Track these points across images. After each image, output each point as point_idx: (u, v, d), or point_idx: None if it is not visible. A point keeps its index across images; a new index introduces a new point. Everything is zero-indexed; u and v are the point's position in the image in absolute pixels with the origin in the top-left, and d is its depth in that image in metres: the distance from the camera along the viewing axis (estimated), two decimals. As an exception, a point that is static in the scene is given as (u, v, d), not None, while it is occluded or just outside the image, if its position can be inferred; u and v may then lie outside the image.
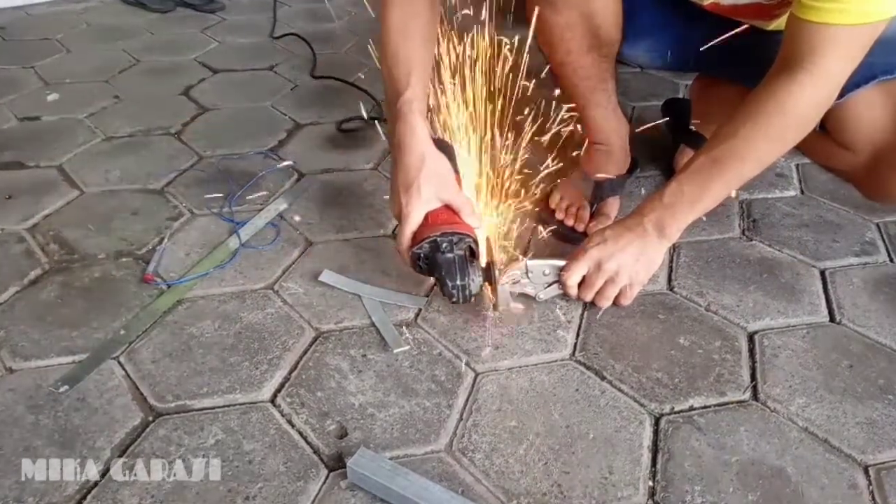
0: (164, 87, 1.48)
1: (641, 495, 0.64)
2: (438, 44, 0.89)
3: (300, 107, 1.41)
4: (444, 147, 0.84)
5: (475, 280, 0.78)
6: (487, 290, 0.83)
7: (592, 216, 1.02)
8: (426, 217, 0.79)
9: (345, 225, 1.03)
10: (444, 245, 0.77)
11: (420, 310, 0.86)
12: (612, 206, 1.04)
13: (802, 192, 1.16)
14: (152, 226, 1.01)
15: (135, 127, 1.30)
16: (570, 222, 1.02)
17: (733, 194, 1.09)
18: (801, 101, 0.75)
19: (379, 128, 1.31)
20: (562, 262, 0.85)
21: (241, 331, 0.82)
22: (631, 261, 0.83)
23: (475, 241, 0.80)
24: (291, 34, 1.79)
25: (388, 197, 1.06)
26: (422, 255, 0.79)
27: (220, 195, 1.08)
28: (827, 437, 0.71)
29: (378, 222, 1.03)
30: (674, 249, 0.99)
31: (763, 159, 0.80)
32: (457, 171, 0.84)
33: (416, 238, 0.78)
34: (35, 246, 0.96)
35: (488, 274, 0.81)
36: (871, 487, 0.66)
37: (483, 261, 0.82)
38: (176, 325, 0.83)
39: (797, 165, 1.22)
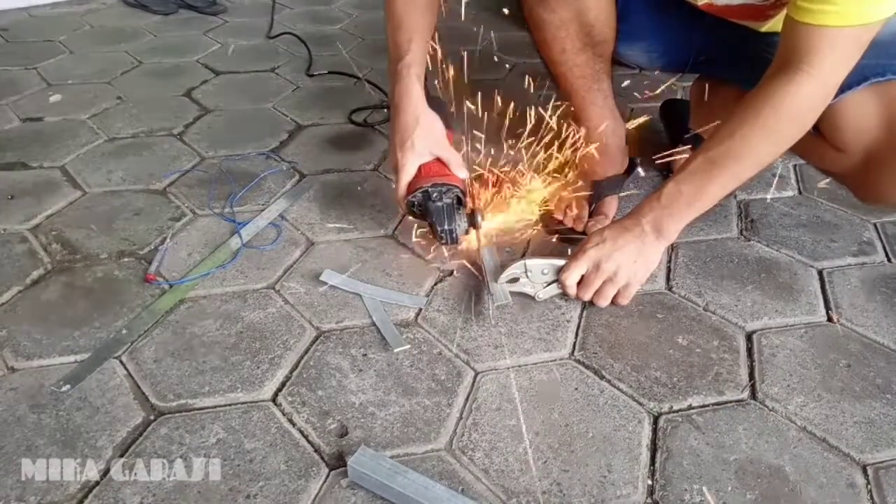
0: (166, 89, 1.49)
1: (640, 494, 0.65)
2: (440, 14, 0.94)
3: (301, 108, 1.41)
4: (439, 105, 0.93)
5: (461, 225, 0.89)
6: (472, 233, 0.93)
7: (591, 216, 1.02)
8: (419, 169, 0.89)
9: (345, 225, 1.03)
10: (435, 194, 0.87)
11: (420, 310, 0.87)
12: (611, 205, 1.05)
13: (800, 192, 1.16)
14: (154, 226, 1.01)
15: (137, 128, 1.31)
16: (568, 222, 1.03)
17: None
18: (798, 103, 0.75)
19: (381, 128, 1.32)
20: (560, 262, 0.85)
21: (242, 330, 0.82)
22: (629, 261, 0.83)
23: (462, 191, 0.90)
24: (287, 33, 1.80)
25: (385, 200, 1.08)
26: (415, 202, 0.89)
27: (222, 196, 1.09)
28: (825, 437, 0.71)
29: (378, 222, 1.04)
30: (672, 249, 0.99)
31: (760, 160, 0.81)
32: (449, 128, 0.93)
33: (411, 188, 0.88)
34: (37, 246, 0.97)
35: (473, 219, 0.91)
36: (869, 486, 0.66)
37: (468, 208, 0.92)
38: (178, 324, 0.83)
39: (795, 166, 1.23)
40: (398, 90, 0.88)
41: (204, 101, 1.43)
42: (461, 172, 0.90)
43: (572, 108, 1.05)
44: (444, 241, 0.88)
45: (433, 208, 0.87)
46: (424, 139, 0.87)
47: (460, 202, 0.90)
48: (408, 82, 0.87)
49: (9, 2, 1.95)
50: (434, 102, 0.91)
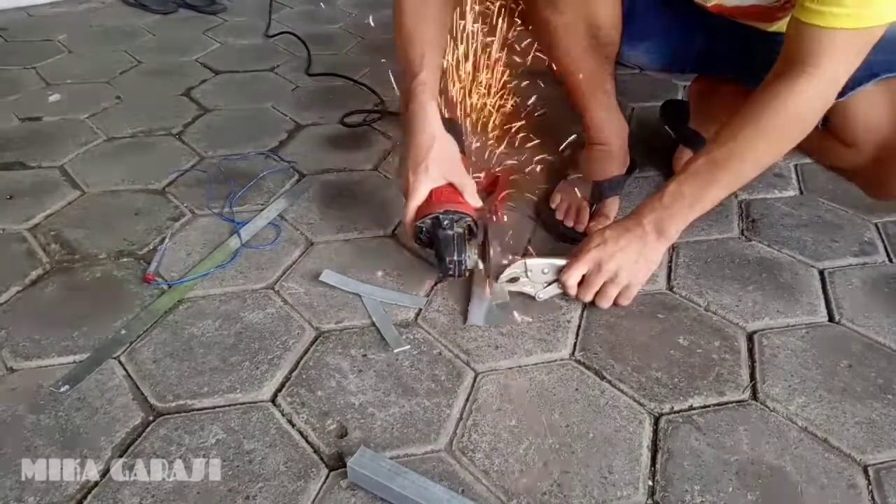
0: (165, 88, 1.49)
1: (641, 495, 0.64)
2: (453, 27, 0.92)
3: (301, 108, 1.41)
4: (453, 128, 0.89)
5: (471, 257, 0.83)
6: (481, 267, 0.87)
7: (592, 216, 1.02)
8: (431, 194, 0.84)
9: (345, 225, 1.03)
10: (445, 222, 0.82)
11: (420, 310, 0.86)
12: (612, 206, 1.05)
13: (801, 192, 1.16)
14: (153, 226, 1.01)
15: (136, 127, 1.31)
16: (569, 223, 1.03)
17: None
18: (801, 104, 0.75)
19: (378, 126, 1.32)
20: (561, 261, 0.85)
21: (241, 330, 0.82)
22: (630, 261, 0.83)
23: (474, 221, 0.85)
24: (286, 33, 1.80)
25: (384, 200, 1.08)
26: (424, 229, 0.84)
27: (222, 196, 1.08)
28: (826, 437, 0.71)
29: (378, 222, 1.04)
30: (673, 249, 0.99)
31: (762, 161, 0.81)
32: (463, 153, 0.89)
33: (420, 213, 0.83)
34: (36, 246, 0.96)
35: (483, 252, 0.86)
36: (870, 487, 0.66)
37: (480, 239, 0.87)
38: (177, 324, 0.83)
39: (796, 166, 1.23)
40: (412, 109, 0.84)
41: (203, 101, 1.43)
42: (475, 201, 0.86)
43: (576, 109, 1.05)
44: (451, 273, 0.82)
45: (442, 236, 0.82)
46: (439, 163, 0.83)
47: (472, 232, 0.85)
48: (422, 101, 0.83)
49: (8, 1, 1.94)
50: (448, 125, 0.87)
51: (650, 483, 0.66)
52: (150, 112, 1.37)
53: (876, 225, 1.07)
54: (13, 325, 0.82)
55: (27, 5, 1.97)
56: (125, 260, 0.94)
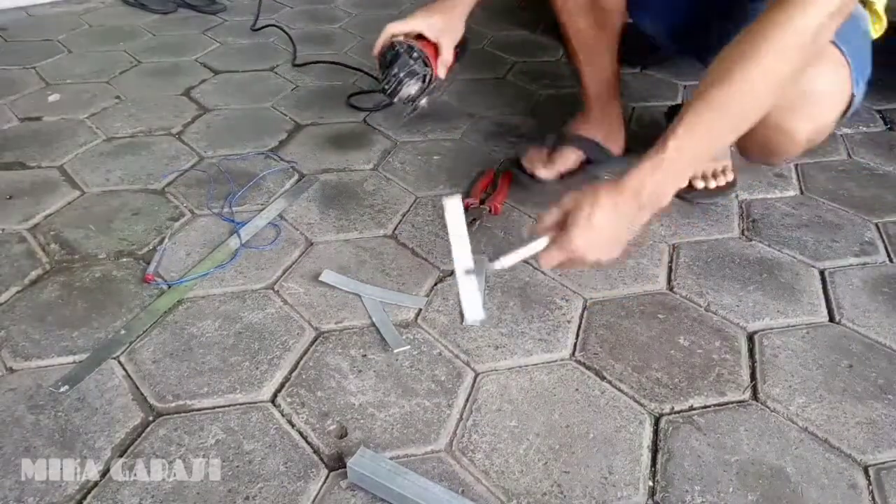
0: (165, 88, 1.49)
1: (641, 495, 0.64)
2: None
3: (301, 107, 1.41)
4: (466, 40, 1.04)
5: (411, 86, 0.98)
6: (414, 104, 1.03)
7: (549, 158, 1.09)
8: (416, 37, 0.98)
9: (345, 225, 1.03)
10: (415, 54, 0.97)
11: (420, 310, 0.86)
12: (566, 156, 1.10)
13: (802, 192, 1.16)
14: (153, 226, 1.01)
15: (136, 127, 1.31)
16: (539, 173, 1.09)
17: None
18: (790, 26, 0.65)
19: (381, 118, 1.32)
20: (535, 247, 0.74)
21: (241, 331, 0.82)
22: (612, 246, 0.72)
23: (433, 75, 1.00)
24: (272, 25, 1.81)
25: (384, 199, 1.07)
26: (397, 48, 0.97)
27: (221, 196, 1.08)
28: (827, 437, 0.71)
29: (378, 222, 1.04)
30: (673, 249, 0.99)
31: (760, 100, 0.70)
32: (457, 54, 1.03)
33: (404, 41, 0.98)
34: (36, 246, 0.96)
35: (418, 95, 1.00)
36: (870, 487, 0.66)
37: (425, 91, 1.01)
38: (176, 325, 0.83)
39: (796, 166, 1.23)
40: None
41: (203, 101, 1.43)
42: (442, 71, 1.00)
43: (577, 75, 1.10)
44: (387, 88, 0.98)
45: (403, 59, 0.96)
46: (442, 19, 0.97)
47: (425, 79, 0.99)
48: None
49: (7, 1, 1.94)
50: (464, 36, 1.02)
51: (650, 483, 0.66)
52: (149, 112, 1.37)
53: (876, 225, 1.07)
54: (13, 326, 0.82)
55: (27, 5, 1.97)
56: (125, 260, 0.94)
